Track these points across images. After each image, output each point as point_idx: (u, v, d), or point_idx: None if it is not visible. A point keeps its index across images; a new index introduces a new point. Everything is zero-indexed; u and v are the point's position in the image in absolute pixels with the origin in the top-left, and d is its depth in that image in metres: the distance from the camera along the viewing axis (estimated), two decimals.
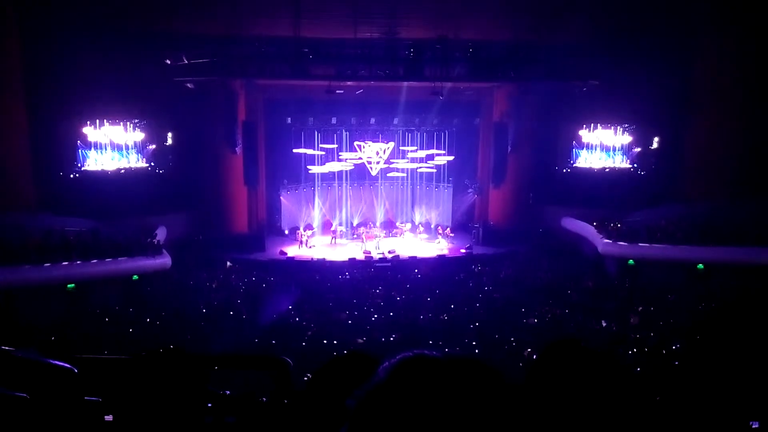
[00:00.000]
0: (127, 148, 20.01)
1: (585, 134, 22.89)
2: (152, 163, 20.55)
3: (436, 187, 24.32)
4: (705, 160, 20.03)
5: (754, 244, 17.22)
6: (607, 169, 22.79)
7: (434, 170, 23.60)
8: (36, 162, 18.38)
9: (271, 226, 22.89)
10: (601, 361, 1.43)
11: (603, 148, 22.90)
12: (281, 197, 23.29)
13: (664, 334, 11.64)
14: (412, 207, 24.66)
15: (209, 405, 2.25)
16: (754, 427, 2.15)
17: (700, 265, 17.16)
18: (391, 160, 22.98)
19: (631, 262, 18.10)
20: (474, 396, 1.06)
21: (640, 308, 13.97)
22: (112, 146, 19.78)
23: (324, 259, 20.21)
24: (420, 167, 23.14)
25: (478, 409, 1.05)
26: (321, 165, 22.54)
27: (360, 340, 11.84)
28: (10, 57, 16.55)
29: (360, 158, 22.91)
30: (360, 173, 23.55)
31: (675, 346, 10.66)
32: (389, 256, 20.52)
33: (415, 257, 20.55)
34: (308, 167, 22.44)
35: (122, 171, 19.83)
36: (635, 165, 22.64)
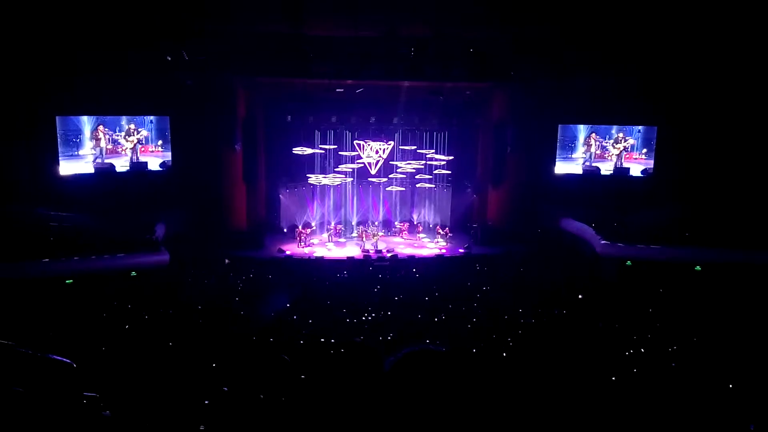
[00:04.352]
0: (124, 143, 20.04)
1: (585, 134, 22.95)
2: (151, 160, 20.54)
3: (435, 187, 24.33)
4: (707, 160, 20.04)
5: (751, 246, 17.26)
6: (608, 170, 22.82)
7: (433, 186, 23.71)
8: (33, 156, 18.39)
9: (269, 224, 22.90)
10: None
11: (603, 148, 22.95)
12: (280, 195, 23.31)
13: (661, 336, 11.66)
14: (411, 206, 24.67)
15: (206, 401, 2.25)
16: (751, 429, 2.15)
17: (698, 267, 17.22)
18: (391, 162, 22.98)
19: (628, 263, 18.14)
20: (476, 384, 1.07)
21: (638, 309, 13.98)
22: (112, 142, 19.98)
23: (322, 257, 20.23)
24: (420, 182, 23.17)
25: (482, 396, 1.06)
26: (321, 172, 22.63)
27: (358, 339, 11.85)
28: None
29: (362, 164, 22.96)
30: (359, 172, 23.55)
31: (672, 347, 10.68)
32: (388, 255, 20.53)
33: (414, 257, 20.56)
34: (308, 176, 22.44)
35: (121, 167, 19.84)
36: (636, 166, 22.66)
